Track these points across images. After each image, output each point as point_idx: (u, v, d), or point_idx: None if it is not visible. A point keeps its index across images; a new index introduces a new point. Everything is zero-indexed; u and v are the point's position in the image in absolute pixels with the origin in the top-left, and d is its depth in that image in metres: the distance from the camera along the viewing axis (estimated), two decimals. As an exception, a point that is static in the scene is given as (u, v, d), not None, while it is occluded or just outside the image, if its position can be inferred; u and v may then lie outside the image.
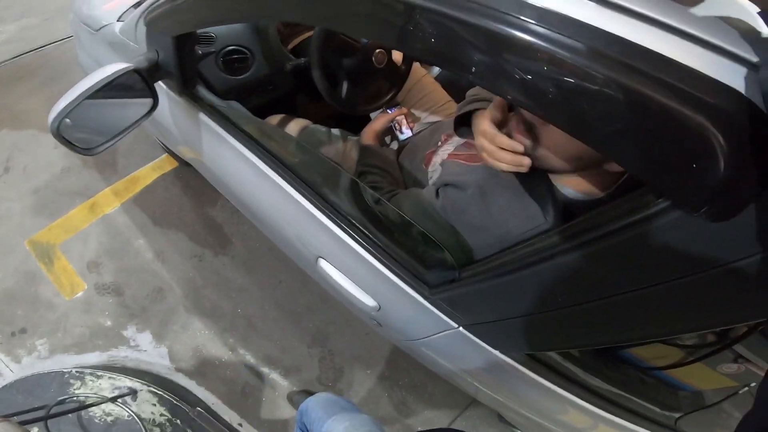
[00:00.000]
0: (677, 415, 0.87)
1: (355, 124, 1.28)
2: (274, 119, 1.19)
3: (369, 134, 1.12)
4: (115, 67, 0.83)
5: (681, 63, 0.35)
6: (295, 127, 1.18)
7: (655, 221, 0.41)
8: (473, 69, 0.43)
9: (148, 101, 0.92)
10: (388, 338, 1.20)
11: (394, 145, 1.21)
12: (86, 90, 0.80)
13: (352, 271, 0.91)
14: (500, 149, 0.68)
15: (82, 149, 0.87)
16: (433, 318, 0.82)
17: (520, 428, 1.47)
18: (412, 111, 1.22)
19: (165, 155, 2.16)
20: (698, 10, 0.38)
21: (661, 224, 0.41)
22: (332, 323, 1.82)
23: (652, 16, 0.38)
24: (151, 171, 2.15)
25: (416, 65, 1.27)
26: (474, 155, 0.82)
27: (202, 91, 0.99)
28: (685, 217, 0.39)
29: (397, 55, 1.14)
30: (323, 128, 1.19)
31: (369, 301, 0.90)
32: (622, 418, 0.82)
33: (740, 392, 0.88)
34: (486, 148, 0.71)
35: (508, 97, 0.42)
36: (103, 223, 2.00)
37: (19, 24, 2.91)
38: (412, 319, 0.87)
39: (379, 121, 1.13)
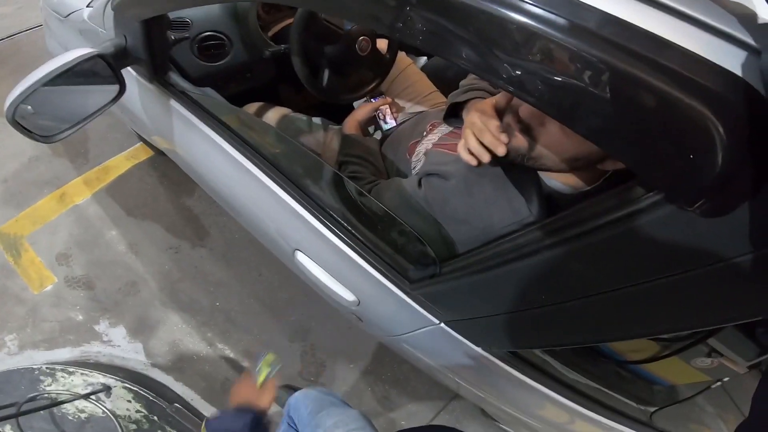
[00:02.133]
0: (652, 410, 0.87)
1: (339, 114, 1.24)
2: (252, 107, 1.15)
3: (351, 124, 1.09)
4: (77, 53, 0.79)
5: (679, 45, 0.33)
6: (274, 115, 1.14)
7: (645, 216, 0.40)
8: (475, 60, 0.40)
9: (114, 88, 0.88)
10: (370, 333, 1.18)
11: (378, 135, 1.18)
12: (45, 75, 0.77)
13: (331, 264, 0.88)
14: (487, 130, 0.67)
15: (40, 136, 0.83)
16: (413, 314, 0.80)
17: (503, 423, 1.47)
18: (397, 101, 1.19)
19: (140, 144, 2.08)
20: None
21: (652, 219, 0.39)
22: (313, 317, 1.79)
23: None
24: (124, 160, 2.07)
25: (401, 55, 1.24)
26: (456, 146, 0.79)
27: (175, 78, 0.95)
28: (677, 212, 0.37)
29: (381, 44, 1.11)
30: (304, 117, 1.15)
31: (348, 296, 0.88)
32: (599, 414, 0.82)
33: (713, 387, 0.89)
34: (476, 124, 0.69)
35: (501, 84, 0.40)
36: (74, 214, 1.93)
37: (-7, 12, 2.81)
38: (393, 315, 0.85)
39: (362, 110, 1.09)
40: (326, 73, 1.01)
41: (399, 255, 0.78)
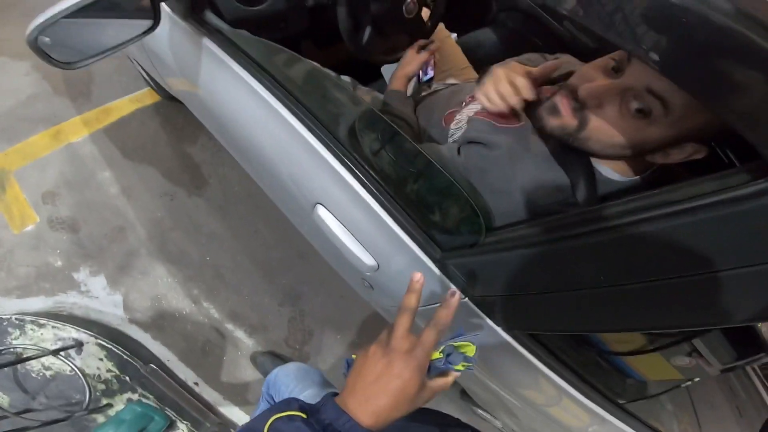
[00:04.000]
0: (621, 402, 0.89)
1: (358, 74, 1.21)
2: (282, 57, 1.10)
3: (400, 78, 1.04)
4: None
5: None
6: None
7: (749, 202, 0.38)
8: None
9: (146, 22, 0.82)
10: (373, 302, 1.16)
11: (411, 85, 1.14)
12: (77, 2, 0.71)
13: (354, 222, 0.84)
14: (509, 83, 0.70)
15: (61, 62, 0.78)
16: (438, 285, 0.78)
17: (481, 403, 1.49)
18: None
19: (147, 89, 1.97)
20: None
21: (757, 205, 0.38)
22: (306, 282, 1.76)
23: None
24: (128, 103, 1.96)
25: (441, 26, 1.21)
26: (503, 117, 0.78)
27: (210, 16, 0.90)
28: None
29: (424, 12, 1.08)
30: (333, 74, 1.11)
31: (368, 260, 0.85)
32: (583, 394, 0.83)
33: (682, 386, 0.93)
34: (498, 74, 0.72)
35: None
36: (67, 152, 1.82)
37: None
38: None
39: (412, 65, 1.04)
40: (368, 31, 0.97)
41: (434, 220, 0.75)
